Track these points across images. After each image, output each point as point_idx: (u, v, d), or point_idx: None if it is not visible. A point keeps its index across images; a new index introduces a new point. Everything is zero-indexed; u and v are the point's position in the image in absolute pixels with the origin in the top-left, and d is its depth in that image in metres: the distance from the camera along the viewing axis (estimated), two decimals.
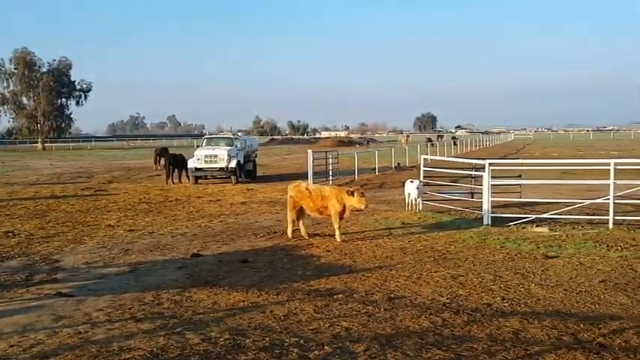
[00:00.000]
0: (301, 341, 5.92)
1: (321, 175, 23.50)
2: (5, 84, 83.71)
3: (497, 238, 11.73)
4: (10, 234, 13.39)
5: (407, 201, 16.09)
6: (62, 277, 9.32)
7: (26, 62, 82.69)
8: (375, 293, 7.87)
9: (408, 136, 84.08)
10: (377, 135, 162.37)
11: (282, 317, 6.80)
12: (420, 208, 15.79)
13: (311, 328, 6.38)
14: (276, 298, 7.70)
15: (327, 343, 5.89)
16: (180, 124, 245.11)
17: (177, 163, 27.27)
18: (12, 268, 10.00)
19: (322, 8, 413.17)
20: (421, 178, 16.51)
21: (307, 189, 12.47)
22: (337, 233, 11.83)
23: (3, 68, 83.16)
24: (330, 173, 24.59)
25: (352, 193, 11.71)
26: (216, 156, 25.75)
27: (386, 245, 11.29)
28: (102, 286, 8.70)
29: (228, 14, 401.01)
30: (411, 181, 16.00)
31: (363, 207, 11.87)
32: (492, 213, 13.60)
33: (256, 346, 5.79)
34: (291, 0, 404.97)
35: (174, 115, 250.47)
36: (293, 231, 12.35)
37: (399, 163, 33.84)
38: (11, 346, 6.10)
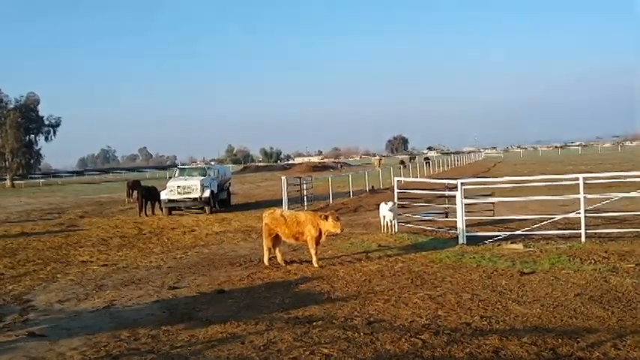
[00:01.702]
0: None
1: (296, 201, 23.51)
2: None
3: (474, 257, 11.81)
4: None
5: (382, 223, 16.14)
6: (34, 317, 9.10)
7: None
8: (355, 318, 7.84)
9: (380, 159, 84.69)
10: (350, 159, 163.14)
11: (261, 347, 6.72)
12: (396, 230, 15.85)
13: (291, 356, 6.32)
14: (255, 327, 7.62)
15: None
16: (152, 155, 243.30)
17: (150, 195, 26.98)
18: None
19: (289, 32, 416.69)
20: (395, 200, 16.59)
21: (282, 215, 12.44)
22: (314, 259, 11.79)
23: None
24: (305, 199, 24.61)
25: (327, 218, 11.72)
26: (189, 186, 25.56)
27: (363, 269, 11.28)
28: (76, 324, 8.51)
29: (196, 41, 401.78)
30: (386, 203, 16.07)
31: (338, 231, 11.87)
32: (467, 232, 13.70)
33: None
34: (255, 26, 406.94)
35: (145, 147, 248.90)
36: (269, 258, 12.29)
37: (373, 186, 34.00)
38: None
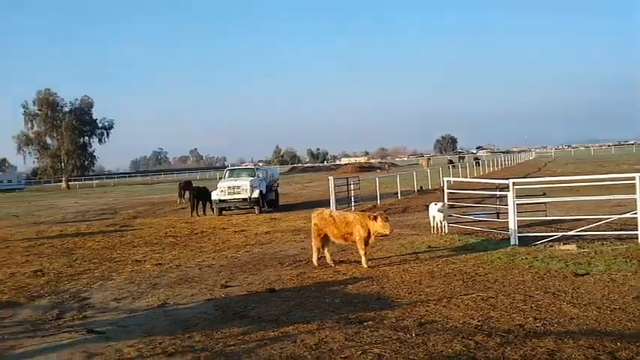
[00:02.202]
0: None
1: (343, 202, 23.52)
2: (29, 125, 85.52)
3: (526, 258, 11.60)
4: (39, 273, 13.55)
5: (432, 224, 16.01)
6: (92, 315, 9.38)
7: (49, 103, 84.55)
8: (406, 319, 7.81)
9: (428, 159, 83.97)
10: (397, 159, 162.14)
11: (313, 346, 6.77)
12: (446, 231, 15.69)
13: (343, 356, 6.34)
14: (306, 326, 7.67)
15: None
16: (202, 157, 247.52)
17: (202, 195, 27.53)
18: (43, 307, 10.10)
19: (339, 33, 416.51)
20: (445, 201, 16.42)
21: (331, 216, 12.48)
22: (363, 259, 11.79)
23: (27, 110, 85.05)
24: (353, 199, 24.59)
25: (376, 218, 11.70)
26: (238, 187, 25.97)
27: (413, 270, 11.21)
28: (132, 321, 8.75)
29: (249, 47, 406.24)
30: (435, 204, 15.93)
31: (387, 232, 11.83)
32: (519, 233, 13.44)
33: None
34: (306, 26, 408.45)
35: (196, 149, 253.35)
36: (318, 258, 12.35)
37: (421, 187, 33.74)
38: None
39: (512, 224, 13.42)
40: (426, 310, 8.20)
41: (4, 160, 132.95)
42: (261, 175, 27.93)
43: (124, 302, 10.15)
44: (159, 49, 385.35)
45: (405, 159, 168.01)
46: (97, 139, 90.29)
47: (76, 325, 8.68)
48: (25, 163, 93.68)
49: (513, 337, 6.74)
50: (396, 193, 29.75)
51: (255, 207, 26.08)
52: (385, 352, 6.40)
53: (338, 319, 7.95)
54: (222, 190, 26.22)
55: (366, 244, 11.90)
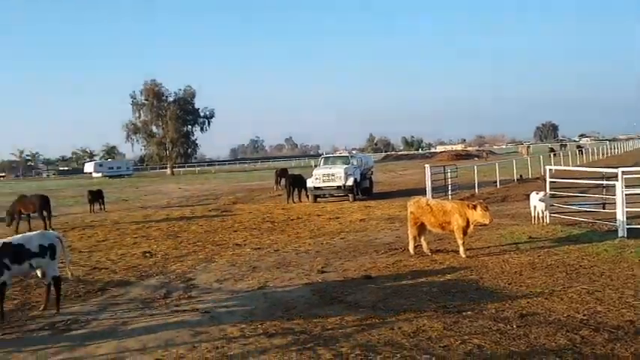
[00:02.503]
0: (433, 358, 5.87)
1: (439, 190, 23.15)
2: (137, 114, 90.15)
3: (635, 251, 10.97)
4: (147, 254, 14.35)
5: (533, 214, 15.46)
6: (197, 295, 9.84)
7: (155, 93, 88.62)
8: (506, 310, 7.63)
9: (528, 147, 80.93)
10: (495, 147, 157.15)
11: (411, 334, 6.77)
12: (548, 221, 15.11)
13: (442, 345, 6.31)
14: (404, 314, 7.67)
15: None
16: (297, 145, 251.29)
17: (297, 182, 28.01)
18: (152, 286, 10.71)
19: (435, 21, 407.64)
20: (547, 190, 15.80)
21: (428, 204, 12.35)
22: (461, 249, 11.60)
23: (135, 100, 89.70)
24: (450, 188, 24.15)
25: (475, 207, 11.46)
26: (333, 174, 26.19)
27: (513, 260, 10.90)
28: (234, 302, 9.10)
29: (342, 37, 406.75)
30: (537, 193, 15.37)
31: (487, 221, 11.55)
32: (628, 224, 12.72)
33: None
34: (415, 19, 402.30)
35: (291, 137, 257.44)
36: (415, 247, 12.26)
37: (521, 175, 32.58)
38: (156, 359, 6.53)
39: (620, 215, 12.72)
40: (527, 302, 7.97)
41: (114, 147, 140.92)
42: (355, 163, 28.01)
43: (226, 284, 10.56)
44: (256, 41, 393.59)
45: (504, 147, 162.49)
46: (199, 128, 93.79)
47: (182, 305, 9.14)
48: (133, 150, 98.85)
49: (623, 333, 6.43)
50: (495, 182, 28.92)
51: (350, 194, 26.20)
52: (485, 342, 6.30)
53: (436, 308, 7.90)
54: (317, 178, 26.54)
55: (465, 233, 11.68)
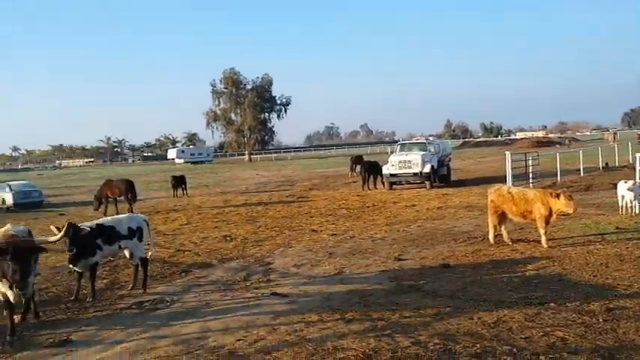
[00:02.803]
0: (514, 350, 5.74)
1: (520, 178, 22.48)
2: (217, 102, 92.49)
3: None
4: (228, 238, 14.78)
5: (620, 204, 14.76)
6: (275, 278, 10.06)
7: (234, 81, 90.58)
8: (591, 303, 7.34)
9: (615, 134, 77.09)
10: (578, 133, 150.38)
11: (491, 324, 6.65)
12: (637, 212, 14.38)
13: (523, 336, 6.16)
14: (483, 304, 7.54)
15: (542, 353, 5.64)
16: (372, 131, 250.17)
17: (373, 169, 27.95)
18: (232, 269, 11.04)
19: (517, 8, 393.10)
20: (637, 179, 15.03)
21: (509, 192, 12.03)
22: (543, 239, 11.24)
23: (215, 88, 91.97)
24: (531, 176, 23.40)
25: (558, 196, 11.07)
26: (410, 161, 25.91)
27: (599, 252, 10.45)
28: (311, 287, 9.23)
29: (421, 23, 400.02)
30: (625, 182, 14.66)
31: (571, 210, 11.13)
32: None
33: (467, 353, 5.74)
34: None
35: (366, 124, 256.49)
36: (495, 236, 12.00)
37: (607, 163, 31.11)
38: (238, 340, 6.75)
39: None
40: (615, 295, 7.64)
41: (195, 134, 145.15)
42: (432, 150, 27.58)
43: (303, 269, 10.72)
44: (333, 28, 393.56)
45: (588, 133, 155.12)
46: (275, 115, 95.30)
47: (261, 287, 9.38)
48: (212, 137, 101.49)
49: None
50: (578, 170, 27.76)
51: (427, 182, 25.87)
52: (569, 335, 6.10)
53: (517, 299, 7.71)
54: (393, 165, 26.36)
55: (547, 222, 11.30)
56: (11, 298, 7.24)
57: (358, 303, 8.02)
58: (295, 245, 13.26)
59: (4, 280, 7.14)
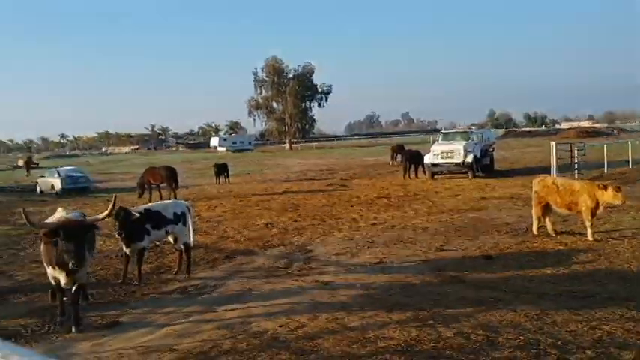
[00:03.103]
0: (559, 342, 5.68)
1: (565, 169, 22.01)
2: (258, 91, 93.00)
3: None
4: (269, 225, 14.92)
5: None
6: (316, 266, 10.14)
7: (275, 70, 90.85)
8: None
9: None
10: (627, 124, 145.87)
11: (534, 316, 6.58)
12: None
13: (568, 330, 6.08)
14: (526, 296, 7.46)
15: (589, 347, 5.57)
16: (413, 120, 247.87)
17: (414, 159, 27.72)
18: (274, 256, 11.17)
19: None
20: None
21: (554, 184, 11.81)
22: (589, 231, 11.01)
23: (257, 76, 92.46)
24: (576, 167, 22.88)
25: (606, 188, 10.81)
26: (452, 151, 25.58)
27: None
28: (352, 275, 9.27)
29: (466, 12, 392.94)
30: None
31: (619, 203, 10.87)
32: None
33: (510, 344, 5.70)
34: None
35: (407, 112, 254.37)
36: (538, 228, 11.81)
37: None
38: (280, 326, 6.85)
39: None
40: None
41: (237, 123, 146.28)
42: (475, 139, 27.16)
43: (343, 257, 10.77)
44: (375, 15, 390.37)
45: (637, 124, 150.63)
46: (316, 104, 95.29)
47: (302, 275, 9.48)
48: (254, 125, 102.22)
49: None
50: (627, 162, 26.98)
51: (469, 172, 25.49)
52: (617, 330, 5.99)
53: (561, 292, 7.60)
54: (435, 154, 26.08)
55: (593, 215, 11.06)
56: (63, 283, 7.23)
57: (399, 292, 8.02)
58: (336, 234, 13.30)
59: (56, 265, 7.07)
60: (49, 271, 7.36)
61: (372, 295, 7.95)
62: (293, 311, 7.43)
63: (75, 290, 7.24)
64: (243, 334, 6.58)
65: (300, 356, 5.76)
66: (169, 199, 16.22)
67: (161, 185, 23.57)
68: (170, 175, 23.22)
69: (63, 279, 7.19)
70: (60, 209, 8.05)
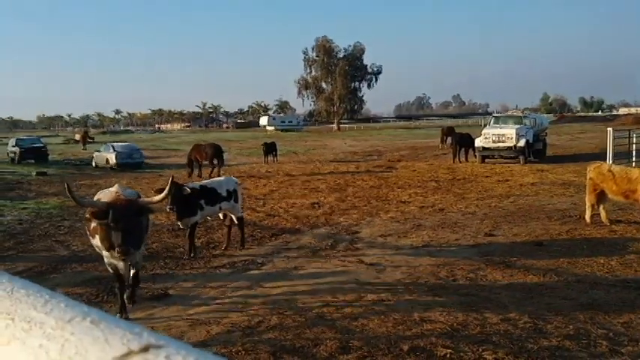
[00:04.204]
0: (610, 334, 5.54)
1: (622, 157, 21.28)
2: (308, 70, 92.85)
3: None
4: (316, 205, 14.99)
5: None
6: (362, 247, 10.15)
7: (326, 49, 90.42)
8: None
9: None
10: None
11: (585, 305, 6.43)
12: None
13: (621, 321, 5.92)
14: (577, 285, 7.30)
15: None
16: (464, 103, 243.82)
17: (464, 142, 27.31)
18: (319, 236, 11.22)
19: None
20: None
21: (610, 171, 11.43)
22: None
23: (307, 56, 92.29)
24: (634, 154, 22.08)
25: None
26: (504, 135, 25.07)
27: None
28: (398, 257, 9.25)
29: None
30: None
31: None
32: None
33: (559, 333, 5.60)
34: None
35: (458, 95, 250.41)
36: (592, 216, 11.49)
37: None
38: (325, 305, 6.90)
39: None
40: None
41: (286, 102, 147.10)
42: (528, 124, 26.52)
43: (390, 239, 10.74)
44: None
45: None
46: (366, 85, 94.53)
47: (348, 255, 9.51)
48: (303, 105, 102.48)
49: None
50: None
51: (521, 156, 24.96)
52: None
53: (614, 282, 7.40)
54: (486, 138, 25.60)
55: None
56: (121, 271, 6.63)
57: (446, 276, 7.96)
58: (382, 215, 13.27)
59: (110, 249, 6.21)
60: (105, 256, 6.61)
61: (418, 278, 7.91)
62: (338, 291, 7.47)
63: (134, 275, 6.72)
64: (289, 311, 6.67)
65: (345, 335, 5.80)
66: (218, 177, 16.48)
67: (206, 162, 23.89)
68: (215, 153, 23.54)
69: (121, 267, 6.60)
70: (116, 185, 7.30)
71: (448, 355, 5.18)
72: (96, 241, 6.61)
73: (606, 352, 5.17)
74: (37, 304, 0.76)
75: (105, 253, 6.49)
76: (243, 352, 5.46)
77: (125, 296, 6.67)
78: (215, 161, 23.40)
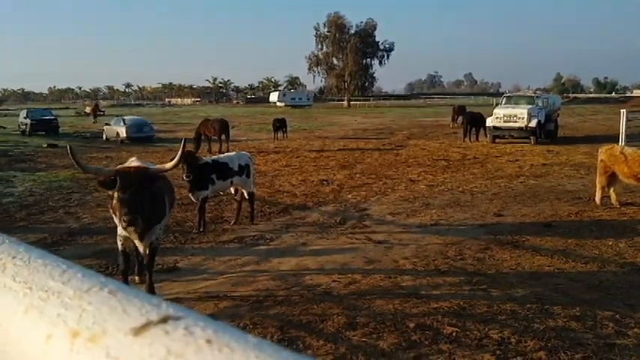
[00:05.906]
0: (617, 316, 5.55)
1: (635, 138, 21.11)
2: (319, 46, 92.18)
3: None
4: (324, 182, 15.00)
5: None
6: (370, 225, 10.17)
7: (337, 25, 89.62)
8: None
9: None
10: None
11: (592, 287, 6.45)
12: None
13: (628, 303, 5.93)
14: (585, 267, 7.30)
15: None
16: (476, 82, 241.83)
17: (475, 121, 27.11)
18: (328, 213, 11.25)
19: None
20: None
21: (622, 153, 11.35)
22: None
23: (318, 32, 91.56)
24: None
25: None
26: (515, 115, 24.86)
27: None
28: (406, 236, 9.28)
29: None
30: None
31: None
32: None
33: (566, 314, 5.62)
34: None
35: (470, 74, 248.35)
36: (602, 197, 11.44)
37: None
38: (332, 281, 6.95)
39: None
40: None
41: (296, 78, 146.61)
42: (540, 104, 26.24)
43: (398, 217, 10.75)
44: None
45: None
46: (377, 61, 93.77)
47: (356, 232, 9.54)
48: (313, 82, 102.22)
49: None
50: None
51: (532, 137, 24.77)
52: None
53: (622, 264, 7.40)
54: (497, 117, 25.40)
55: None
56: (141, 249, 6.45)
57: (454, 255, 7.98)
58: (391, 194, 13.26)
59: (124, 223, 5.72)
60: (118, 229, 6.22)
61: (426, 257, 7.94)
62: (346, 268, 7.52)
63: (150, 255, 6.35)
64: (296, 287, 6.73)
65: (352, 312, 5.85)
66: (228, 152, 16.50)
67: (213, 137, 23.90)
68: (222, 128, 23.55)
69: (140, 246, 6.36)
70: (134, 158, 6.99)
71: (454, 334, 5.21)
72: (116, 220, 6.12)
73: (612, 333, 5.19)
74: (55, 273, 0.77)
75: (120, 230, 6.11)
76: (251, 326, 5.52)
77: (136, 276, 6.76)
78: (223, 137, 23.42)
